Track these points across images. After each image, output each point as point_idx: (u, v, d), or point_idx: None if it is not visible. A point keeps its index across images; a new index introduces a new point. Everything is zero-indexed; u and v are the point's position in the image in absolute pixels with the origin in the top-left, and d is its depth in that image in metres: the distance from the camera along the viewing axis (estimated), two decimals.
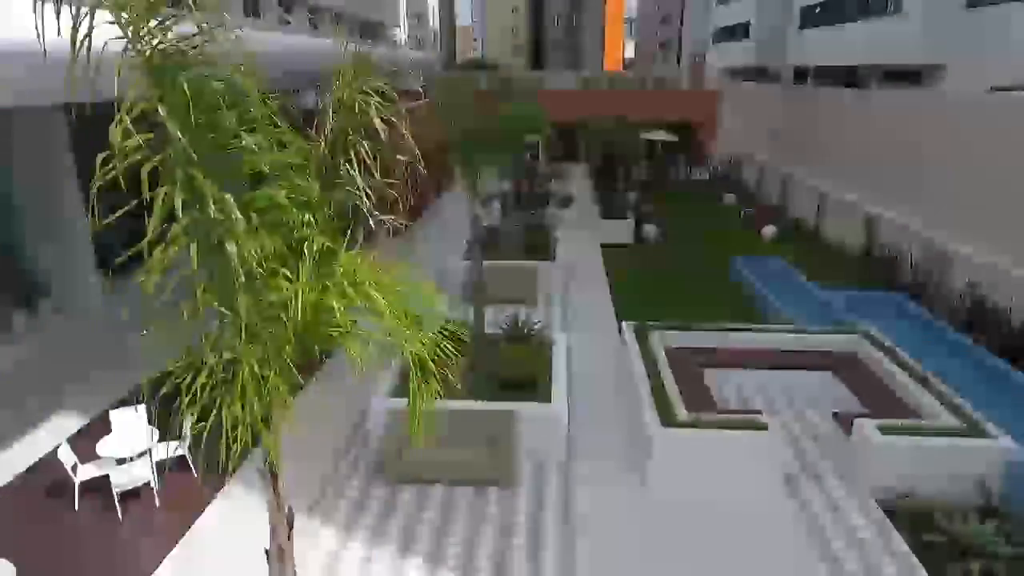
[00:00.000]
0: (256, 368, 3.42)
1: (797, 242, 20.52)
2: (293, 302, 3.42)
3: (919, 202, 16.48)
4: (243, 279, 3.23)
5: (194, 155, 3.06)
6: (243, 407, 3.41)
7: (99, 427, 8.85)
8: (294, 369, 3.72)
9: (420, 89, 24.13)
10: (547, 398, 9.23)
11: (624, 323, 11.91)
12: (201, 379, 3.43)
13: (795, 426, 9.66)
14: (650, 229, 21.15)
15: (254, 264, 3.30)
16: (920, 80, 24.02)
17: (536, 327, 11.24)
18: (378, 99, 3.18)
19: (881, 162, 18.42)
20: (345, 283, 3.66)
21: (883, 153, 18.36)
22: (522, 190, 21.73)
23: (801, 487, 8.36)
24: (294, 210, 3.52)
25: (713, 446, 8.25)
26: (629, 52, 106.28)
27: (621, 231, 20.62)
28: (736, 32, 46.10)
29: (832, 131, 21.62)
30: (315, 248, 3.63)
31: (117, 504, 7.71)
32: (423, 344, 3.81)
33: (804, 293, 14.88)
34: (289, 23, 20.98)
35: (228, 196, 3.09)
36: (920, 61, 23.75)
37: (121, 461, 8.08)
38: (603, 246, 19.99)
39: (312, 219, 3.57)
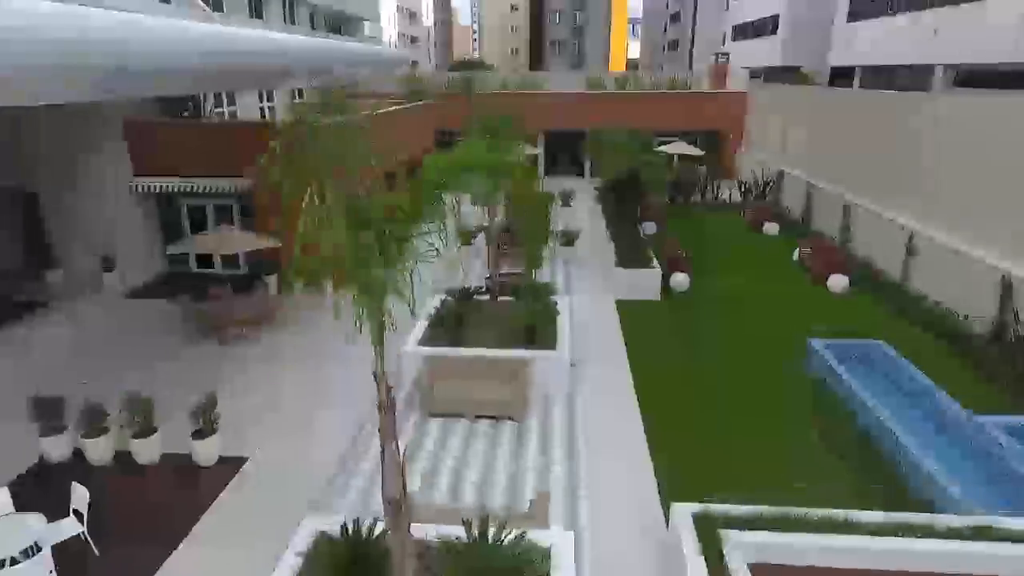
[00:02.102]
0: None
1: (879, 301, 15.47)
2: None
3: None
4: None
5: None
6: None
7: None
8: None
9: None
10: None
11: (675, 508, 7.00)
12: None
13: None
14: (682, 279, 16.20)
15: None
16: (1021, 84, 19.02)
17: (523, 534, 6.30)
18: None
19: (1007, 197, 13.37)
20: None
21: (1010, 183, 13.30)
22: (511, 225, 16.81)
23: None
24: None
25: None
26: (634, 52, 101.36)
27: (644, 284, 15.63)
28: (760, 28, 41.00)
29: (930, 147, 16.55)
30: None
31: None
32: None
33: (935, 410, 9.84)
34: (205, 9, 16.13)
35: None
36: (1017, 60, 18.76)
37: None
38: (619, 303, 15.10)
39: None
